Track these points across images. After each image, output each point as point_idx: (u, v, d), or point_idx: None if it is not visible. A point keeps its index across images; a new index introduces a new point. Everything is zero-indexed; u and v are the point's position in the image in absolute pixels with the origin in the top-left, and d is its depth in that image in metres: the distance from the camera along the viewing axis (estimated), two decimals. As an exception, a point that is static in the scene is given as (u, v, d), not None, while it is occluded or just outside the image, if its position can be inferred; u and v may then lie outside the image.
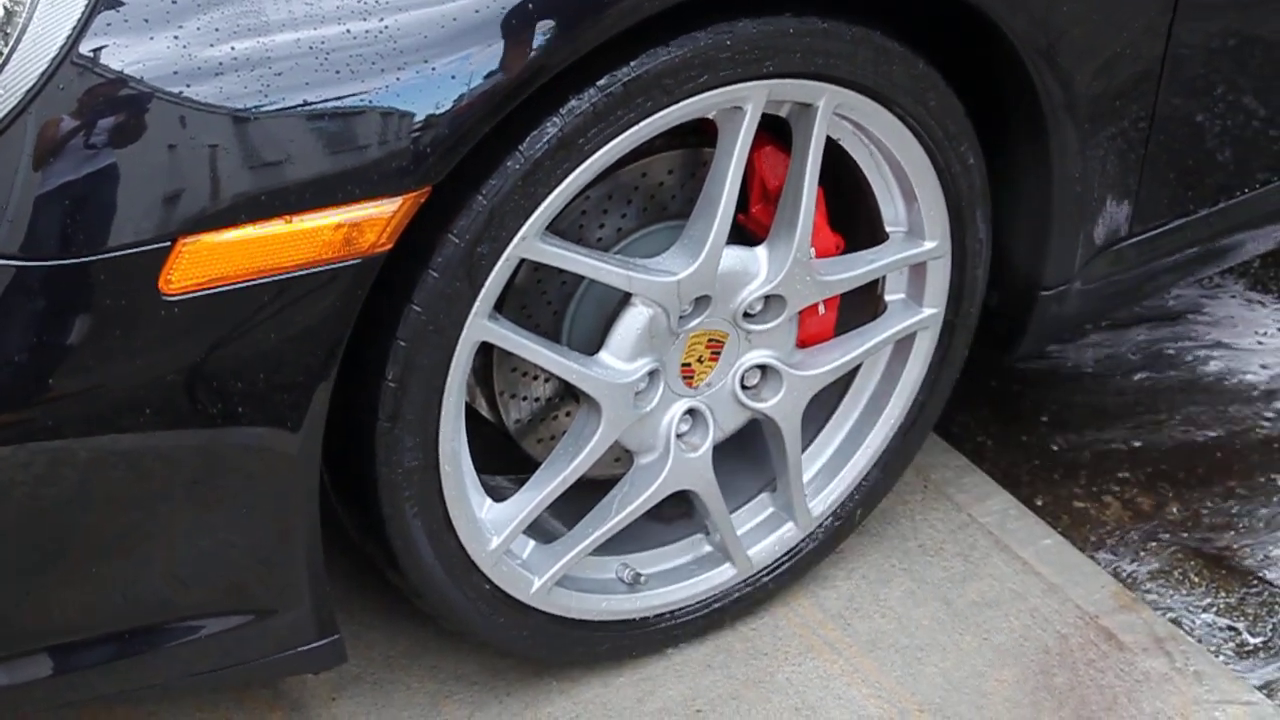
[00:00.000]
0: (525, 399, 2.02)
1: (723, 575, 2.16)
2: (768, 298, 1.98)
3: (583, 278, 1.90)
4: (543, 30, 1.61)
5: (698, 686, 2.14)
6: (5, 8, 1.50)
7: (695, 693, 2.13)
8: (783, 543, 2.19)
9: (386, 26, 1.56)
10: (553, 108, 1.70)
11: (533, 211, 1.72)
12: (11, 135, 1.50)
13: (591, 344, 1.94)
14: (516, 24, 1.60)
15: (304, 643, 1.85)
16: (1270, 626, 2.30)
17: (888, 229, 2.06)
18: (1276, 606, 2.33)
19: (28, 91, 1.48)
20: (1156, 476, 2.55)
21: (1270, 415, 2.67)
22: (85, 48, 1.49)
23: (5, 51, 1.49)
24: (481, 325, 1.77)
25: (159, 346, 1.60)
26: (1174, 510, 2.50)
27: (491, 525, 1.94)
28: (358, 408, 1.79)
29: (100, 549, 1.71)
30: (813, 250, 1.98)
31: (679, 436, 2.02)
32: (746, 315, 1.98)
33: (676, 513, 2.15)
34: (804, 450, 2.16)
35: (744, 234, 1.98)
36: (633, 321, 1.90)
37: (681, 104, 1.76)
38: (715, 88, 1.78)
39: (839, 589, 2.28)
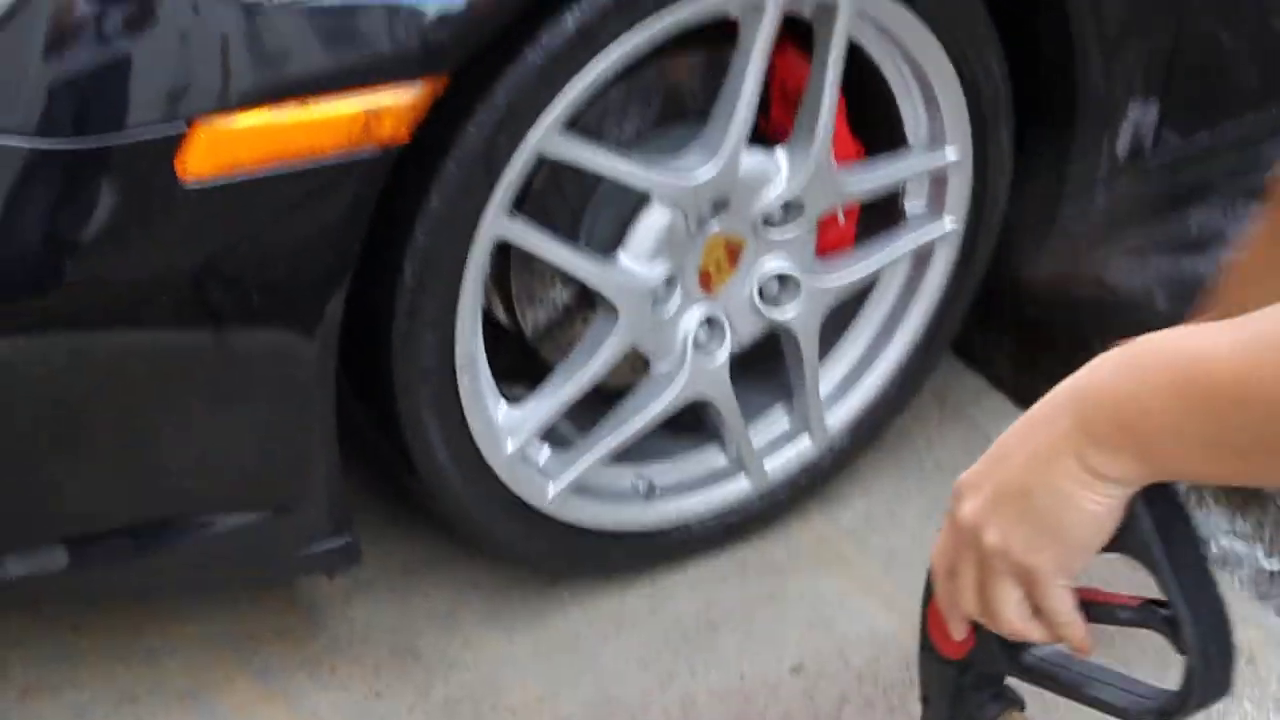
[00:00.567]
0: (542, 304, 2.02)
1: (738, 488, 2.16)
2: (787, 204, 1.97)
3: (601, 179, 1.89)
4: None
5: (711, 598, 2.14)
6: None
7: (709, 604, 2.14)
8: (799, 457, 2.18)
9: (406, -90, 1.56)
10: (573, -2, 1.69)
11: (551, 105, 1.72)
12: (26, 15, 1.50)
13: (610, 247, 1.93)
14: (537, -89, 1.59)
15: (320, 541, 1.86)
16: (1287, 548, 2.29)
17: (909, 137, 2.05)
18: (1294, 529, 2.32)
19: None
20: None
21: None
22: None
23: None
24: (500, 221, 1.77)
25: (178, 235, 1.61)
26: (1193, 435, 2.49)
27: (507, 429, 1.93)
28: (375, 305, 1.79)
29: (116, 442, 1.72)
30: (833, 156, 1.97)
31: (696, 344, 2.02)
32: (766, 221, 1.98)
33: (693, 424, 2.15)
34: (821, 363, 2.15)
35: (764, 138, 1.97)
36: (651, 223, 1.90)
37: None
38: (737, -16, 1.77)
39: (855, 506, 2.28)
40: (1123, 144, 2.13)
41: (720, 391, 2.06)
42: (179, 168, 1.56)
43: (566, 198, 1.93)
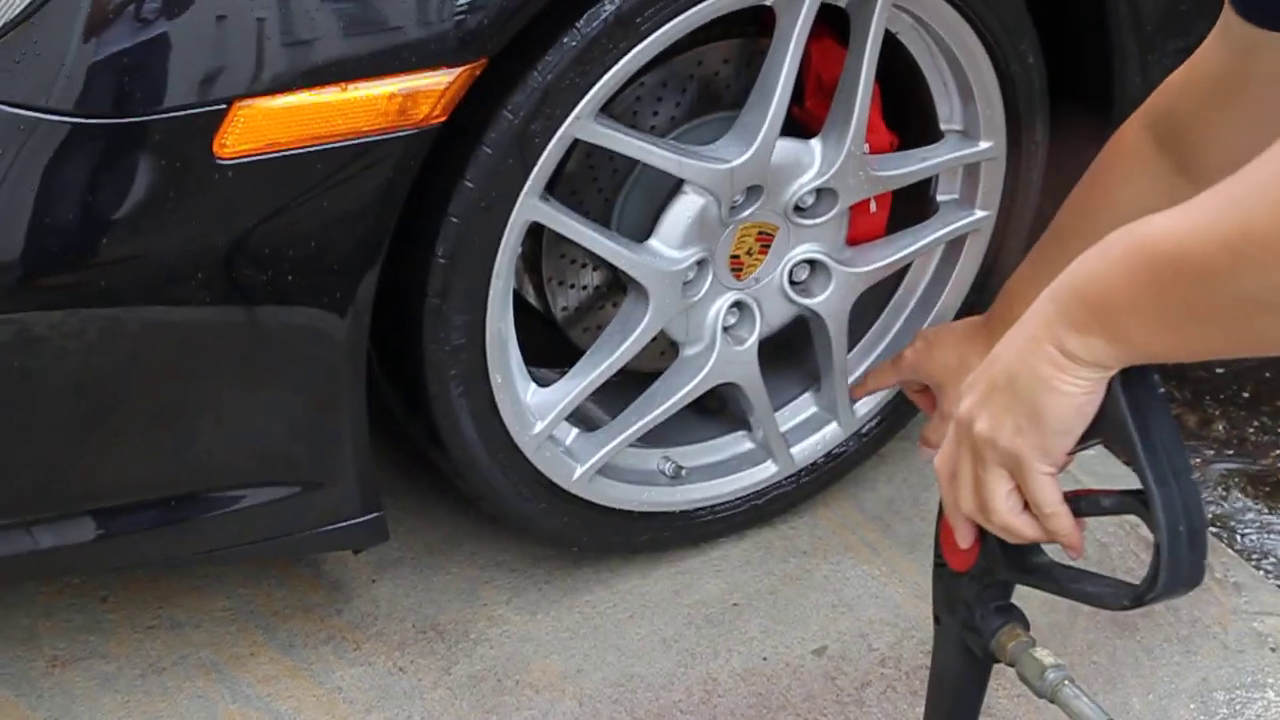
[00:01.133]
0: (573, 287, 2.02)
1: (764, 472, 2.17)
2: (819, 191, 1.97)
3: (634, 164, 1.89)
4: (604, -96, 1.60)
5: (735, 581, 2.15)
6: None
7: (733, 587, 2.15)
8: (825, 442, 2.19)
9: (447, -106, 1.56)
10: (611, -15, 1.69)
11: (587, 90, 1.72)
12: (71, -9, 1.51)
13: (641, 233, 1.94)
14: (578, -103, 1.59)
15: (348, 517, 1.87)
16: (1312, 543, 2.30)
17: (943, 128, 2.04)
18: (1319, 525, 2.33)
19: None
20: (1203, 395, 2.54)
21: (1321, 338, 2.65)
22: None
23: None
24: (533, 204, 1.78)
25: (214, 212, 1.61)
26: (1220, 429, 2.49)
27: (536, 410, 1.94)
28: (407, 284, 1.80)
29: (148, 416, 1.73)
30: (866, 145, 1.97)
31: (725, 329, 2.02)
32: (798, 209, 1.98)
33: (721, 408, 2.16)
34: (850, 350, 2.16)
35: (798, 127, 1.97)
36: (683, 209, 1.90)
37: (740, -12, 1.75)
38: (775, -27, 1.77)
39: (879, 491, 2.28)
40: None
41: (749, 376, 2.07)
42: (217, 146, 1.56)
43: (600, 182, 1.93)
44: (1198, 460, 2.43)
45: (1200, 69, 1.35)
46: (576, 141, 1.79)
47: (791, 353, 2.18)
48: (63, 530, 1.76)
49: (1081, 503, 1.12)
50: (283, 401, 1.77)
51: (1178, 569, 1.09)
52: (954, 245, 2.14)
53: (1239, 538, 2.31)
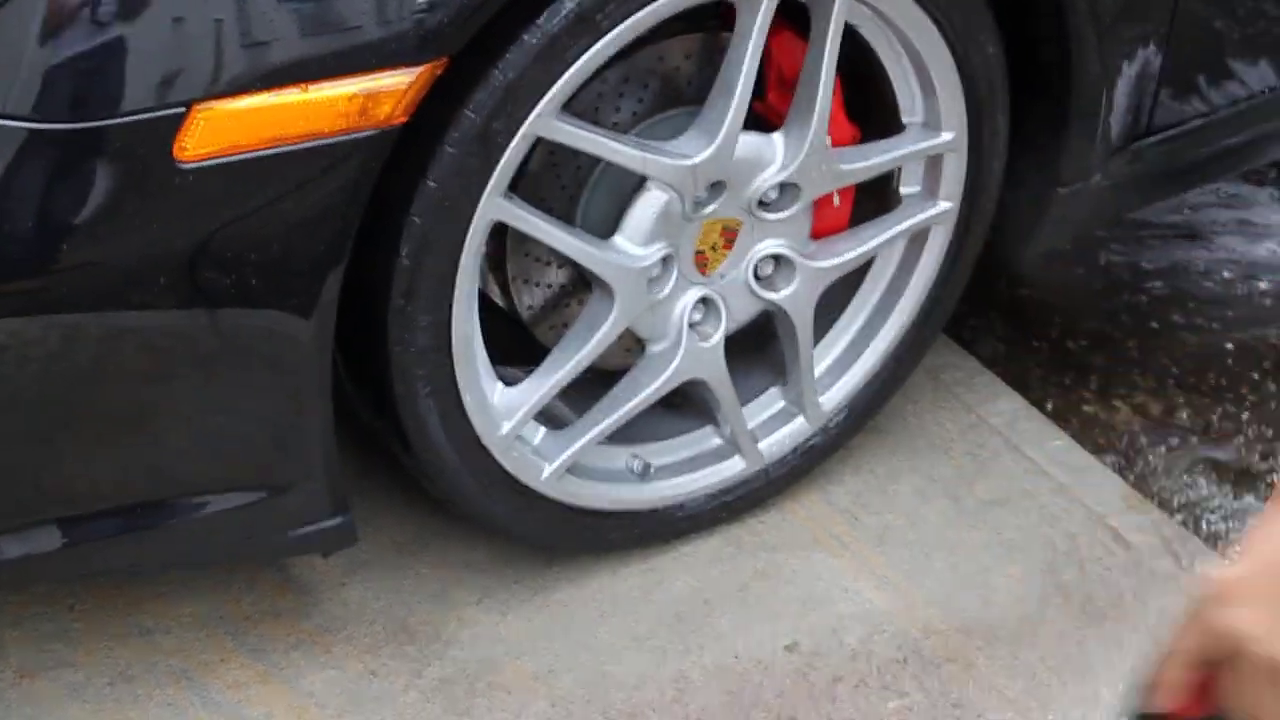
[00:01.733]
0: (539, 285, 2.02)
1: (733, 468, 2.17)
2: (783, 186, 1.97)
3: (598, 161, 1.89)
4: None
5: (706, 578, 2.15)
6: None
7: (703, 584, 2.14)
8: (793, 437, 2.19)
9: (405, -107, 1.55)
10: (571, -18, 1.68)
11: (549, 88, 1.72)
12: (27, -4, 1.49)
13: (606, 230, 1.93)
14: (536, -106, 1.59)
15: (316, 520, 1.86)
16: (1278, 528, 2.30)
17: (904, 120, 2.05)
18: (1285, 510, 2.33)
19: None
20: (1167, 382, 2.55)
21: (1283, 324, 2.67)
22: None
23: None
24: (496, 203, 1.77)
25: (174, 216, 1.60)
26: (1184, 416, 2.50)
27: (503, 410, 1.94)
28: (372, 286, 1.79)
29: (113, 423, 1.71)
30: (829, 139, 1.97)
31: (691, 325, 2.02)
32: (761, 203, 1.98)
33: (688, 404, 2.15)
34: (816, 344, 2.16)
35: (760, 122, 1.97)
36: (647, 205, 1.90)
37: (700, -18, 1.75)
38: (734, -32, 1.77)
39: (847, 485, 2.29)
40: (1117, 127, 2.13)
41: (715, 372, 2.07)
42: (177, 149, 1.55)
43: (563, 179, 1.93)
44: (1163, 448, 2.44)
45: None
46: (539, 139, 1.78)
47: (758, 347, 2.18)
48: (29, 539, 1.75)
49: None
50: (248, 405, 1.76)
51: None
52: (918, 237, 2.14)
53: (1205, 525, 2.32)
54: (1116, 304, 2.67)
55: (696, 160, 1.88)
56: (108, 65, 1.52)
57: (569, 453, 2.00)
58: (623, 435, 2.07)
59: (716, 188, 1.93)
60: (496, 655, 2.03)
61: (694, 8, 1.80)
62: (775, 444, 2.18)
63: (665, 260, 1.95)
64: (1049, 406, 2.49)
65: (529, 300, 2.02)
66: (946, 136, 2.05)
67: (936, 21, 1.94)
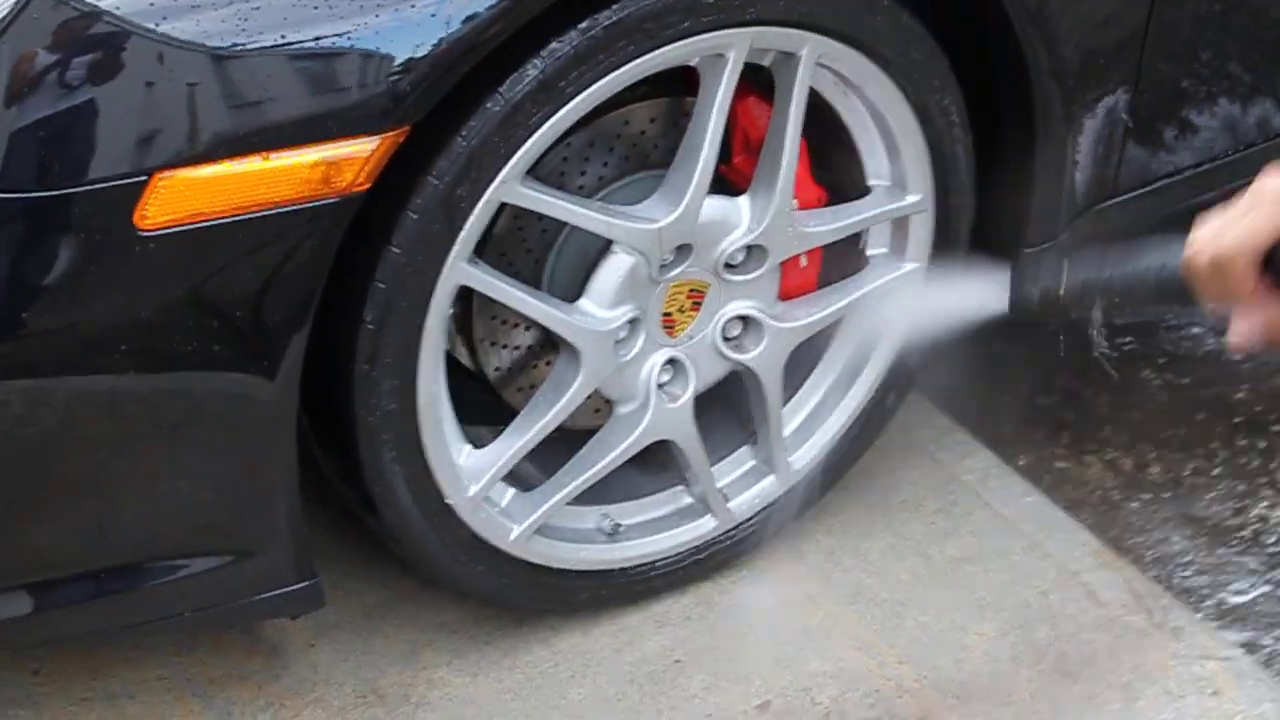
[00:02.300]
0: (506, 347, 2.02)
1: (703, 527, 2.17)
2: (749, 248, 1.98)
3: (563, 225, 1.90)
4: (523, -30, 1.61)
5: (677, 637, 2.15)
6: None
7: (675, 643, 2.14)
8: (763, 496, 2.19)
9: (366, -36, 1.56)
10: (533, 50, 1.69)
11: (513, 155, 1.72)
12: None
13: (572, 293, 1.94)
14: (497, -36, 1.60)
15: (283, 585, 1.86)
16: (1249, 585, 2.31)
17: (870, 182, 2.06)
18: (1256, 566, 2.34)
19: (1, 19, 1.48)
20: (1138, 438, 2.55)
21: (1252, 379, 2.67)
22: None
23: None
24: (461, 269, 1.78)
25: (136, 284, 1.61)
26: (1155, 471, 2.50)
27: (470, 472, 1.94)
28: (337, 350, 1.79)
29: (78, 488, 1.72)
30: (795, 201, 1.98)
31: (659, 386, 2.02)
32: (728, 265, 1.99)
33: (657, 464, 2.16)
34: (786, 404, 2.16)
35: (726, 184, 1.98)
36: (613, 269, 1.91)
37: (663, 49, 1.76)
38: (698, 34, 1.78)
39: (819, 543, 2.29)
40: (1082, 189, 2.14)
41: (684, 432, 2.07)
42: (138, 218, 1.56)
43: (529, 243, 1.94)
44: (1134, 504, 2.44)
45: None
46: (504, 204, 1.79)
47: (728, 406, 2.18)
48: (-2, 605, 1.75)
49: None
50: (213, 470, 1.76)
51: None
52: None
53: (1177, 580, 2.31)
54: (1087, 360, 2.68)
55: (662, 224, 1.89)
56: (69, 133, 1.52)
57: (538, 514, 2.00)
58: (592, 495, 2.07)
59: (683, 251, 1.94)
60: (467, 717, 2.03)
61: (659, 72, 1.81)
62: (746, 502, 2.18)
63: (632, 322, 1.95)
64: (1020, 463, 2.49)
65: (496, 362, 2.02)
66: (913, 198, 2.06)
67: (900, 86, 1.95)
